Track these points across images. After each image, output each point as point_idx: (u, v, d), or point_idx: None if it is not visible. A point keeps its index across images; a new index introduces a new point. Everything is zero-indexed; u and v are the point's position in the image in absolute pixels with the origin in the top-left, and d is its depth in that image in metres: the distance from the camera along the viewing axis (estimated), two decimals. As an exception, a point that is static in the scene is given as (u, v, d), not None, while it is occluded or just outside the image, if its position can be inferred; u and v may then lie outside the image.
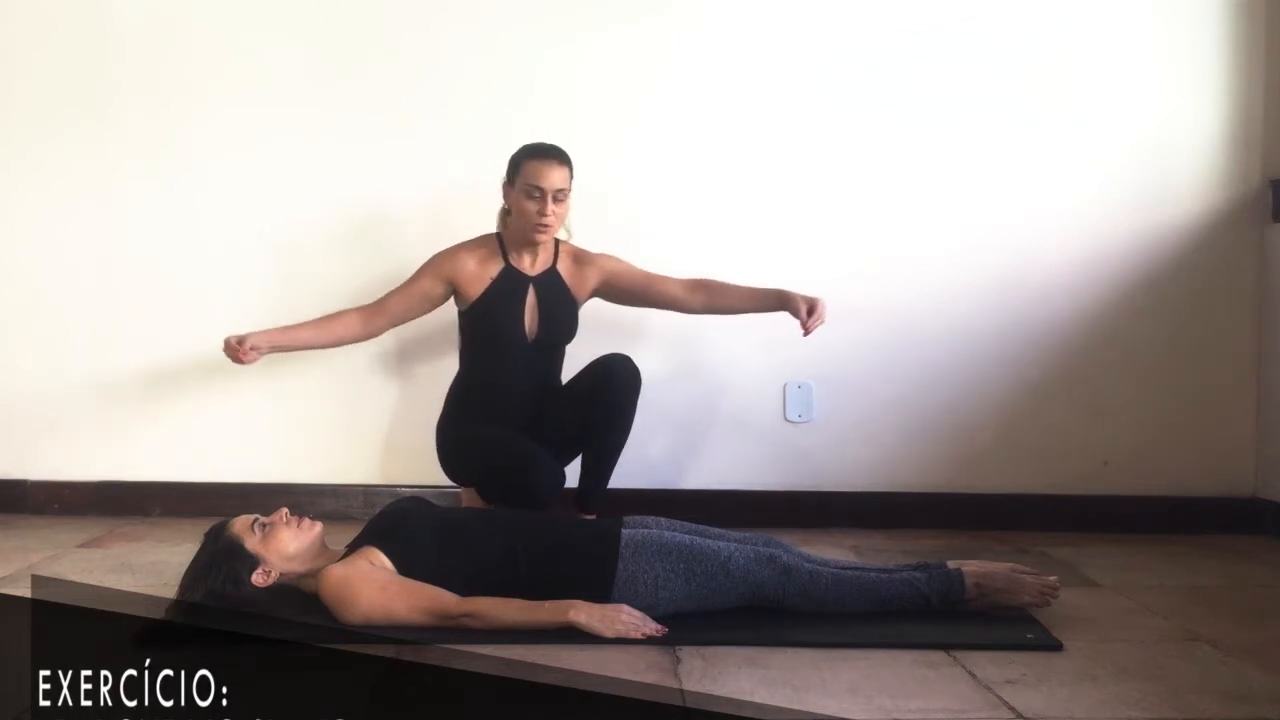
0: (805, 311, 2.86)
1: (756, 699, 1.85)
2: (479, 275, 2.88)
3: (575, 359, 3.01)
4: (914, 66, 3.36)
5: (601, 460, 2.93)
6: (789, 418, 3.40)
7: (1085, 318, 3.38)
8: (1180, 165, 3.37)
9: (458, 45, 3.36)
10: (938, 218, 3.38)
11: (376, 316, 2.91)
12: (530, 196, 2.80)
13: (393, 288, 2.95)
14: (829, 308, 3.34)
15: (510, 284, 2.89)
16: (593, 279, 2.97)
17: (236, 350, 2.77)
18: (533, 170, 2.80)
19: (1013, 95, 3.36)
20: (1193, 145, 3.37)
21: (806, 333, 2.86)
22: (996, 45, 3.36)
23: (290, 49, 3.38)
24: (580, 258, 2.99)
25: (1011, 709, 1.82)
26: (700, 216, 3.39)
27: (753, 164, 3.38)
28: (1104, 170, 3.38)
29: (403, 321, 2.98)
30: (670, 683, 1.93)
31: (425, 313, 2.97)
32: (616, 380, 2.85)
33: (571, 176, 2.86)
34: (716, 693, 1.88)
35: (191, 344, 3.40)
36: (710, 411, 3.41)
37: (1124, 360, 3.39)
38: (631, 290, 3.00)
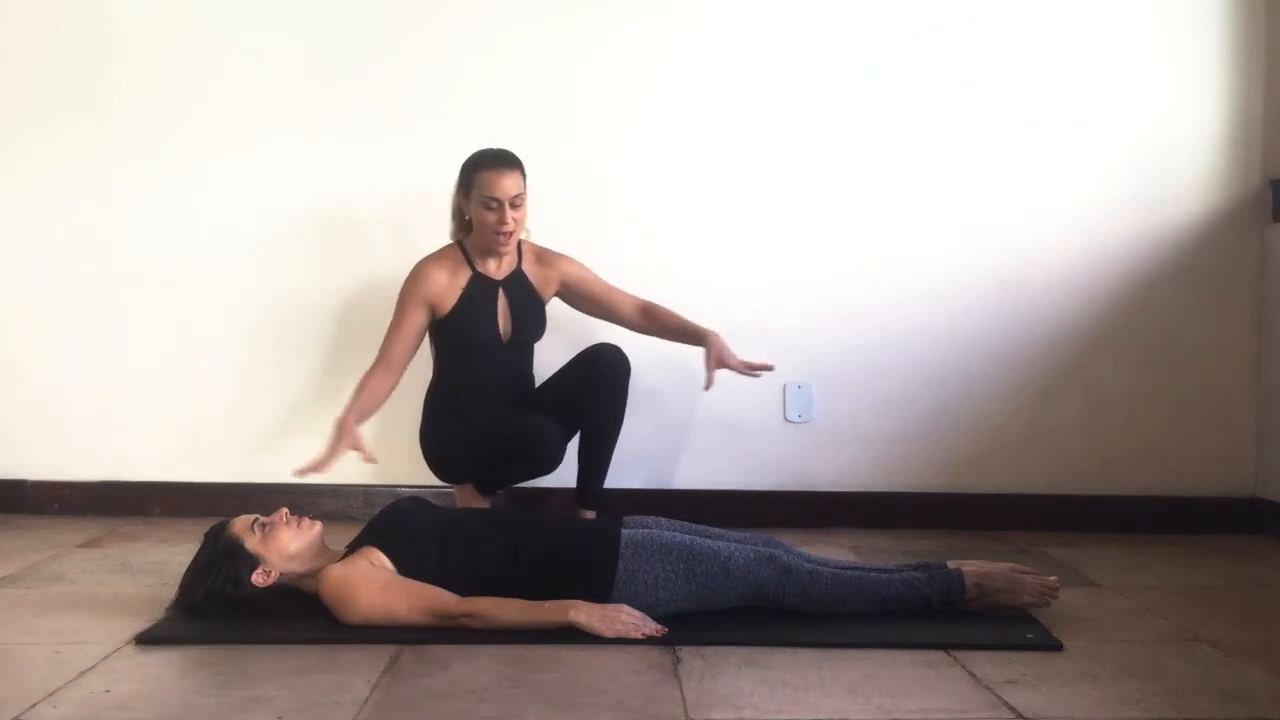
0: (713, 361, 2.82)
1: (756, 699, 1.86)
2: (450, 288, 2.89)
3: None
4: (914, 66, 3.37)
5: (597, 453, 2.93)
6: (789, 418, 3.40)
7: (1085, 318, 3.38)
8: (1180, 165, 3.37)
9: (458, 45, 3.37)
10: (938, 218, 3.38)
11: (391, 367, 2.90)
12: (488, 208, 2.81)
13: (388, 321, 2.96)
14: (830, 307, 3.37)
15: (480, 291, 2.90)
16: (554, 280, 3.00)
17: (349, 439, 2.72)
18: (487, 182, 2.81)
19: (1013, 95, 3.36)
20: (1193, 145, 3.37)
21: (707, 386, 2.82)
22: (996, 45, 3.36)
23: (290, 49, 3.38)
24: (543, 257, 3.00)
25: (1011, 709, 1.82)
26: (700, 216, 3.39)
27: (753, 164, 3.39)
28: (1104, 170, 3.38)
29: (412, 358, 2.96)
30: (670, 683, 1.93)
31: (422, 340, 2.98)
32: (606, 370, 2.86)
33: (524, 178, 2.86)
34: (716, 692, 1.88)
35: (191, 344, 3.41)
36: (710, 411, 3.40)
37: (1124, 360, 3.39)
38: (587, 298, 3.02)
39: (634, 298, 3.02)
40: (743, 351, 3.36)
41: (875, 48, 3.37)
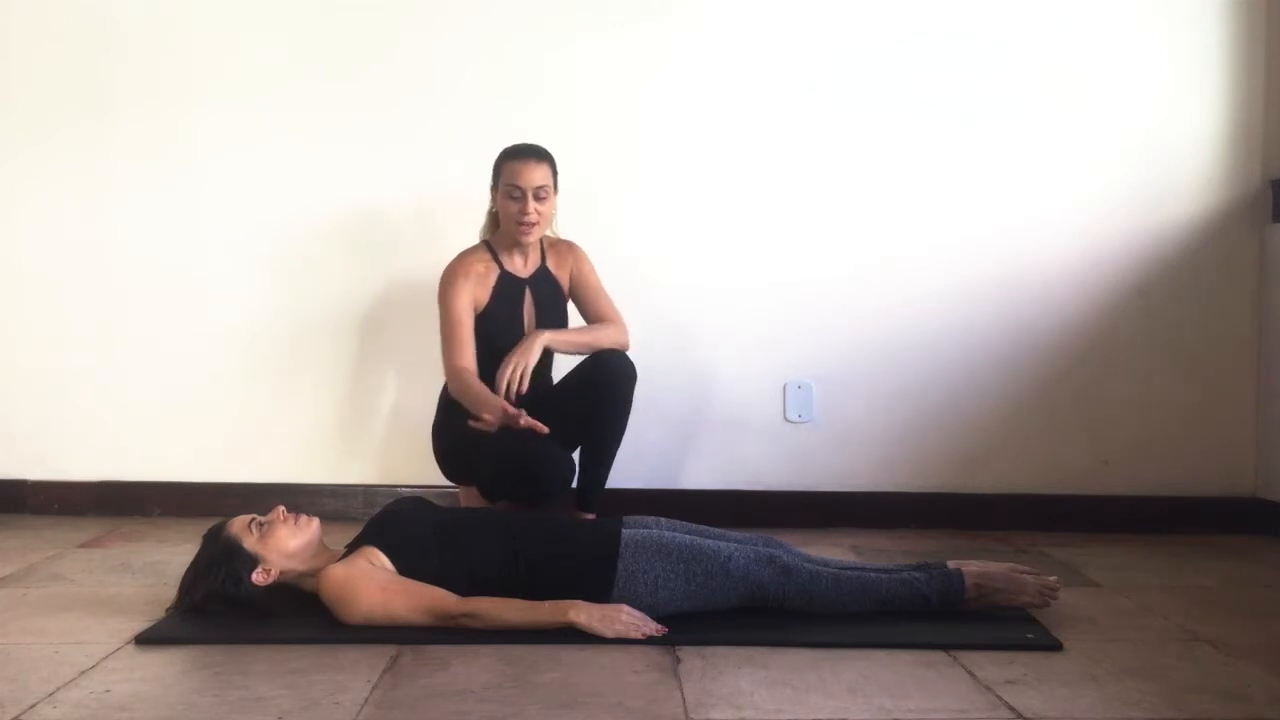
0: None
1: (756, 699, 1.86)
2: (484, 287, 2.87)
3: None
4: (914, 68, 3.37)
5: (599, 456, 2.92)
6: (789, 418, 3.40)
7: (1085, 318, 3.38)
8: (1180, 165, 3.37)
9: (459, 47, 3.37)
10: (938, 218, 3.38)
11: (473, 354, 2.83)
12: (511, 197, 2.81)
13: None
14: (830, 307, 3.37)
15: (509, 290, 2.89)
16: (568, 269, 2.99)
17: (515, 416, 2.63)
18: (511, 171, 2.81)
19: (1013, 96, 3.36)
20: (1193, 145, 3.37)
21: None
22: (997, 46, 3.36)
23: (290, 50, 3.39)
24: (560, 248, 3.00)
25: (1011, 709, 1.82)
26: (702, 217, 3.39)
27: (753, 164, 3.39)
28: (1104, 170, 3.38)
29: None
30: (670, 683, 1.93)
31: None
32: (612, 375, 2.84)
33: (554, 174, 2.85)
34: (716, 693, 1.88)
35: (191, 344, 3.41)
36: (710, 411, 3.41)
37: (1124, 360, 3.39)
38: (579, 297, 3.00)
39: (604, 311, 2.96)
40: (742, 351, 3.38)
41: (875, 49, 3.37)
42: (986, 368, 3.38)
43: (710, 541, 2.32)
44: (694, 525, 2.50)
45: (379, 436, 3.44)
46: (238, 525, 2.27)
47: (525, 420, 2.59)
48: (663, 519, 2.49)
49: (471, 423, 2.64)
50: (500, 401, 2.67)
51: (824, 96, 3.38)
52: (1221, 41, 3.36)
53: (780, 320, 3.39)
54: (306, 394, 3.41)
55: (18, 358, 3.43)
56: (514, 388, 2.74)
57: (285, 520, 2.28)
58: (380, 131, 3.37)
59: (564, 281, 2.99)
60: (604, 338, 2.90)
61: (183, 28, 3.39)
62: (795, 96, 3.38)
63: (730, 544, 2.34)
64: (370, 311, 3.40)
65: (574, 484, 2.95)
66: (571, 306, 3.03)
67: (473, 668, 1.99)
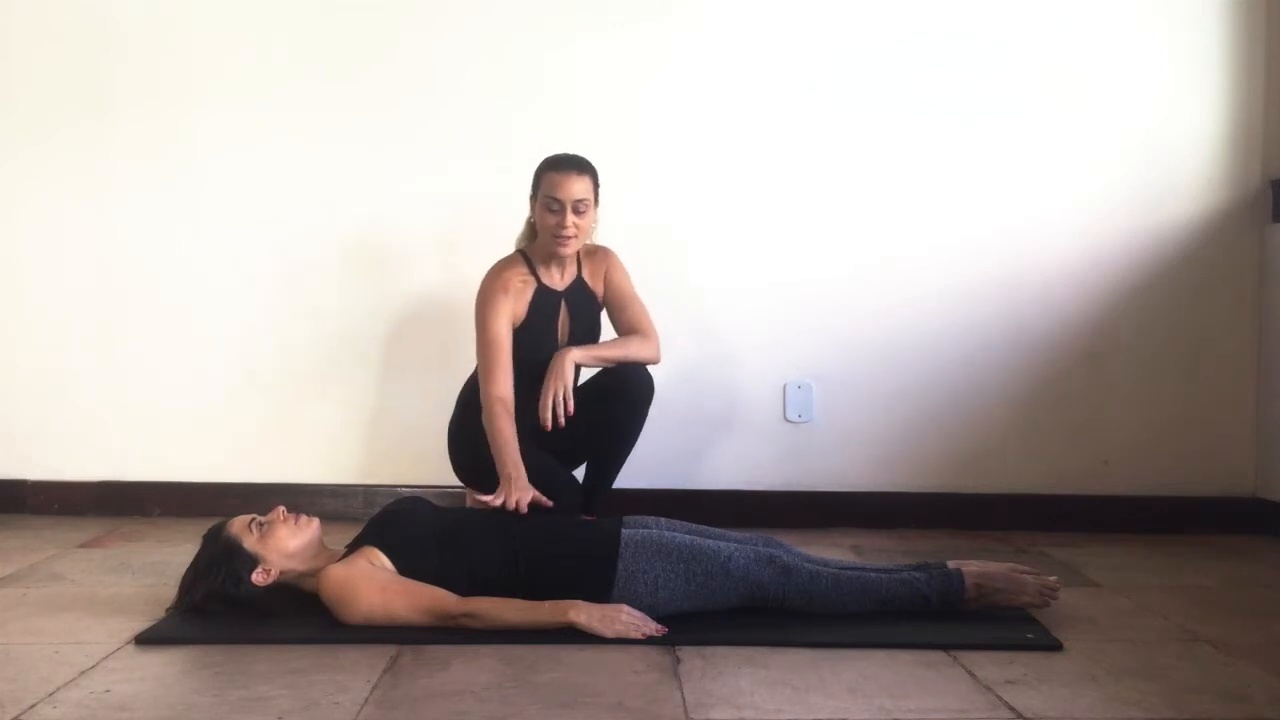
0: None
1: (756, 699, 1.86)
2: (521, 302, 2.81)
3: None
4: (914, 68, 3.37)
5: (607, 465, 2.90)
6: (789, 418, 3.40)
7: (1085, 318, 3.38)
8: (1180, 165, 3.37)
9: (458, 47, 3.37)
10: (938, 218, 3.38)
11: (509, 394, 2.73)
12: (550, 209, 2.74)
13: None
14: (830, 307, 3.37)
15: (545, 304, 2.83)
16: (601, 275, 2.93)
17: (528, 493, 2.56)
18: (551, 182, 2.74)
19: (1013, 96, 3.36)
20: (1193, 145, 3.37)
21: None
22: (998, 46, 3.36)
23: (290, 50, 3.38)
24: (596, 256, 2.94)
25: (1011, 709, 1.82)
26: (702, 216, 3.39)
27: (754, 164, 3.39)
28: (1104, 170, 3.38)
29: None
30: (670, 683, 1.93)
31: None
32: (630, 388, 2.82)
33: (596, 186, 2.80)
34: (716, 693, 1.88)
35: (191, 344, 3.41)
36: (710, 411, 3.41)
37: (1124, 360, 3.39)
38: (611, 305, 2.94)
39: (634, 320, 2.89)
40: (742, 351, 3.38)
41: (875, 49, 3.37)
42: (986, 368, 3.38)
43: (710, 541, 2.32)
44: (694, 525, 2.50)
45: (379, 436, 3.43)
46: (238, 525, 2.27)
47: (533, 498, 2.53)
48: (663, 519, 2.49)
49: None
50: (510, 471, 2.57)
51: (824, 96, 3.38)
52: (1221, 41, 3.36)
53: (780, 320, 3.39)
54: (306, 393, 3.41)
55: (18, 358, 3.43)
56: (560, 414, 2.70)
57: (285, 520, 2.28)
58: (380, 131, 3.37)
59: (599, 291, 2.92)
60: (633, 352, 2.85)
61: (183, 28, 3.39)
62: (795, 96, 3.38)
63: (730, 544, 2.34)
64: (370, 310, 3.40)
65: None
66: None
67: (473, 668, 1.99)
